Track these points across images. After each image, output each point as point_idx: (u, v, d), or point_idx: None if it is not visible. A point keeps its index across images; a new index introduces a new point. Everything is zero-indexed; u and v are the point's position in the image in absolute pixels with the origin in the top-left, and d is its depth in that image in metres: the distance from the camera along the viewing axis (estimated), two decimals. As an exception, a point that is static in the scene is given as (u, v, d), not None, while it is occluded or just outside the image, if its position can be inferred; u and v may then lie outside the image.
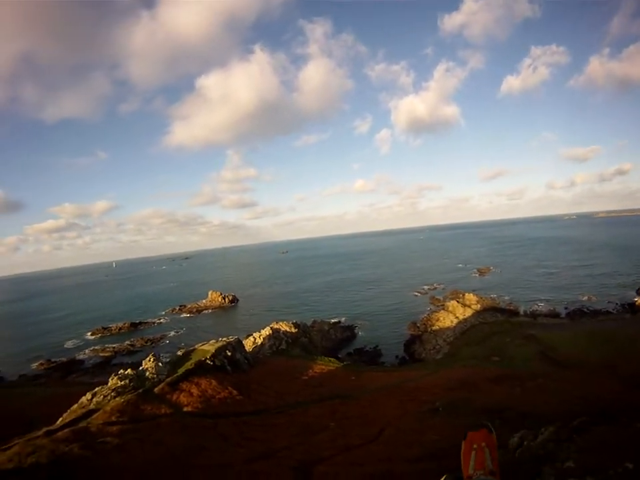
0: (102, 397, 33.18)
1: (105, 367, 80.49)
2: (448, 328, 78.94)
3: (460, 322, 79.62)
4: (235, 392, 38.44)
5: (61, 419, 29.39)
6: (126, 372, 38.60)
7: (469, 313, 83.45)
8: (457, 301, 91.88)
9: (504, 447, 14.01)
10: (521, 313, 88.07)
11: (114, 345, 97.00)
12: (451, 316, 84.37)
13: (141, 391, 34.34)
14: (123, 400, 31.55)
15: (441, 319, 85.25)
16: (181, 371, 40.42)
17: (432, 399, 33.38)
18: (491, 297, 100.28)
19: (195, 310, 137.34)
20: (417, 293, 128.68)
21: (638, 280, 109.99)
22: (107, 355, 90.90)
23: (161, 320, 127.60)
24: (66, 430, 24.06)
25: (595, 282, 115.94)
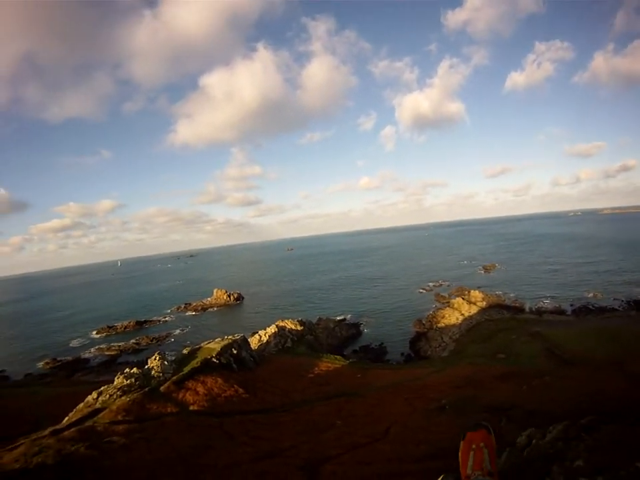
0: (108, 395, 33.19)
1: (111, 365, 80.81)
2: (454, 325, 78.65)
3: (465, 319, 79.31)
4: (241, 390, 38.42)
5: (67, 418, 29.43)
6: (132, 371, 38.63)
7: (474, 310, 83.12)
8: (463, 298, 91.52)
9: (512, 445, 13.85)
10: (527, 309, 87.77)
11: (119, 344, 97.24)
12: (457, 313, 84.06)
13: (146, 389, 34.38)
14: (128, 399, 31.57)
15: (447, 316, 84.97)
16: (186, 369, 40.43)
17: (438, 396, 33.23)
18: (496, 294, 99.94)
19: (200, 308, 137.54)
20: (422, 290, 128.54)
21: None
22: (112, 353, 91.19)
23: (167, 318, 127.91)
24: (72, 429, 24.06)
25: (601, 279, 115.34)
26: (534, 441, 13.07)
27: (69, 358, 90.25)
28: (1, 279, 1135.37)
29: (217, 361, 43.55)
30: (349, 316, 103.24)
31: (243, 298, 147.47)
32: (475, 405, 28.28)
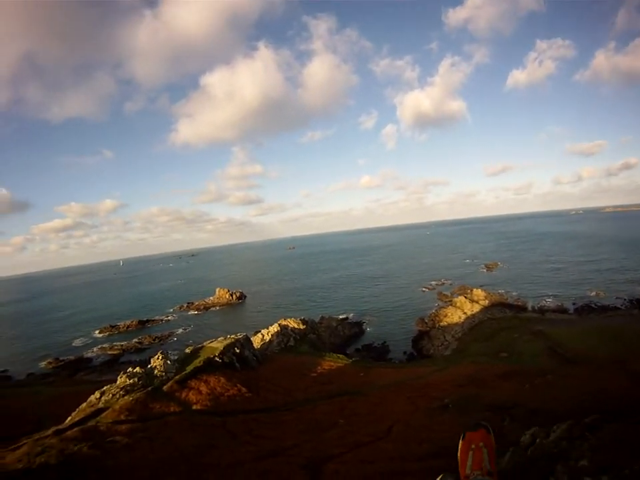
0: (111, 395, 33.21)
1: (113, 365, 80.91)
2: (456, 324, 78.55)
3: (468, 318, 79.20)
4: (243, 389, 38.43)
5: (69, 418, 29.45)
6: (134, 370, 38.63)
7: (476, 308, 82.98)
8: (465, 297, 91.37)
9: (515, 444, 13.79)
10: (529, 308, 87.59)
11: (122, 343, 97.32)
12: (459, 312, 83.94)
13: (149, 389, 34.39)
14: (131, 398, 31.59)
15: (449, 314, 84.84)
16: (189, 368, 40.44)
17: (441, 395, 33.19)
18: (498, 293, 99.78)
19: (202, 307, 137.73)
20: (424, 289, 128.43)
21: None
22: (115, 353, 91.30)
23: (169, 317, 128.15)
24: (75, 429, 24.08)
25: (603, 277, 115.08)
26: (538, 440, 13.02)
27: (72, 357, 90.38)
28: (2, 279, 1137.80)
29: (220, 360, 43.54)
30: (351, 315, 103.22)
31: (245, 297, 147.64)
32: (478, 403, 28.24)
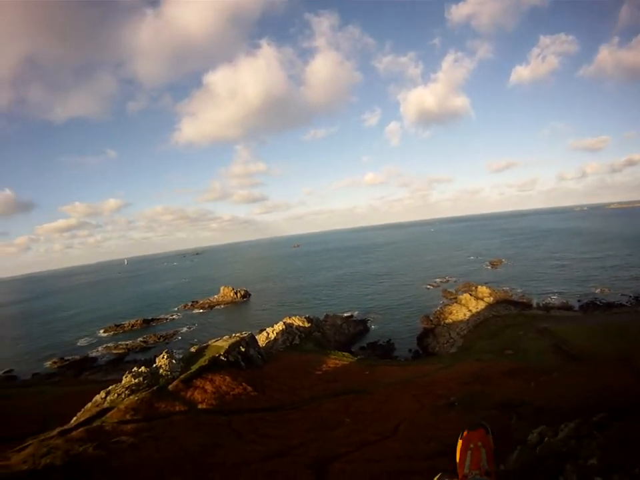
0: (116, 395, 33.19)
1: (118, 364, 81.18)
2: (461, 321, 78.43)
3: (473, 315, 79.07)
4: (249, 388, 38.37)
5: (75, 418, 29.45)
6: (140, 369, 38.60)
7: (481, 305, 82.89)
8: (470, 294, 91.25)
9: (522, 443, 13.67)
10: (534, 305, 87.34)
11: (127, 342, 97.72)
12: (464, 309, 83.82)
13: (155, 388, 34.37)
14: (137, 398, 31.55)
15: (454, 312, 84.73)
16: (194, 367, 40.42)
17: (447, 393, 33.09)
18: (503, 290, 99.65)
19: (207, 305, 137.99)
20: (429, 286, 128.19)
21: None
22: (120, 352, 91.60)
23: (174, 316, 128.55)
24: (80, 429, 24.03)
25: (608, 274, 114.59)
26: (546, 439, 12.90)
27: (77, 357, 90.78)
28: (7, 279, 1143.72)
29: (225, 359, 43.51)
30: (356, 312, 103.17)
31: (249, 295, 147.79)
32: (484, 401, 28.10)
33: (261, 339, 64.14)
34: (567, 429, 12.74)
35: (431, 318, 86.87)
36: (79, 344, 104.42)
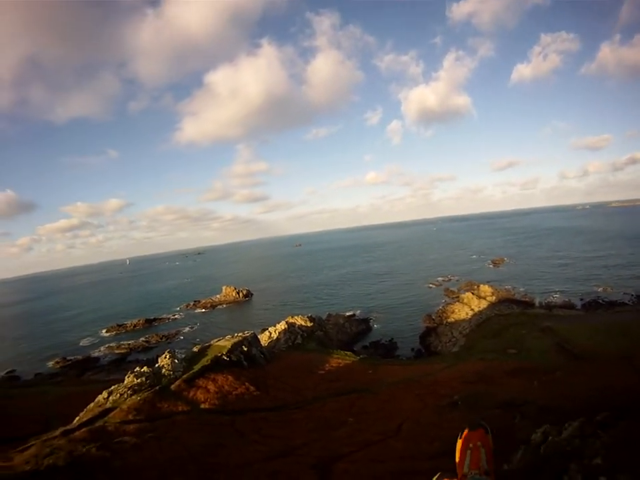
0: (118, 395, 33.18)
1: (121, 364, 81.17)
2: (463, 320, 78.27)
3: (475, 314, 78.96)
4: (252, 388, 38.31)
5: (77, 418, 29.42)
6: (142, 369, 38.58)
7: (484, 304, 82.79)
8: (472, 293, 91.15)
9: (526, 442, 13.61)
10: (537, 304, 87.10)
11: (129, 342, 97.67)
12: (466, 308, 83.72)
13: (157, 388, 34.32)
14: (139, 398, 31.52)
15: (456, 310, 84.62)
16: (197, 367, 40.38)
17: (450, 392, 32.99)
18: (505, 289, 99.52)
19: (209, 305, 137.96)
20: (431, 285, 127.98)
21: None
22: (122, 352, 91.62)
23: (176, 316, 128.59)
24: (83, 429, 24.02)
25: (610, 273, 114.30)
26: (550, 438, 12.84)
27: (79, 357, 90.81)
28: (10, 279, 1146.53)
29: (228, 359, 43.46)
30: (358, 311, 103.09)
31: (252, 294, 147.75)
32: (487, 400, 28.04)
33: (264, 339, 64.11)
34: (570, 428, 12.70)
35: (434, 317, 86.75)
36: (81, 344, 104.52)
